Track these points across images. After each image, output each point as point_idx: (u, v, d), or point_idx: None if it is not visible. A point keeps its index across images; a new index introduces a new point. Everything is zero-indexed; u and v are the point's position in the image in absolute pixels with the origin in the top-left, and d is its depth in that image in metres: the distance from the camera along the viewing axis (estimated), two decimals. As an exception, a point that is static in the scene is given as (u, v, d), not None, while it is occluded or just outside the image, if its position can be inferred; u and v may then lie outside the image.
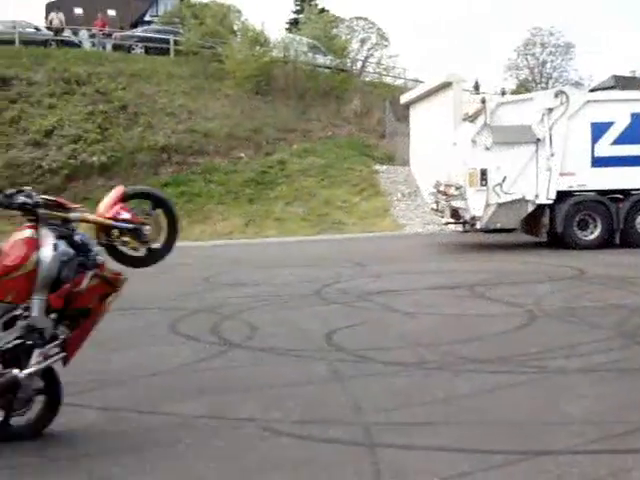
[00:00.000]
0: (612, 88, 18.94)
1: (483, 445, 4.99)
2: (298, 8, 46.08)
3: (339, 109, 33.33)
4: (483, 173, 17.22)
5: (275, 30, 36.89)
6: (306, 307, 10.76)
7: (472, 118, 18.42)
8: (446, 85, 23.84)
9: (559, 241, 17.82)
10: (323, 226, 24.42)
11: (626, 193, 17.77)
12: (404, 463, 4.71)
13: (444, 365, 7.17)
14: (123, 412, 5.93)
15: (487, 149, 17.27)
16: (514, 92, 35.89)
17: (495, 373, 6.86)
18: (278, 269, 15.32)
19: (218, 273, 14.87)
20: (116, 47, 35.36)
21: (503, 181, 17.22)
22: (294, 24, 44.23)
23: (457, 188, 17.60)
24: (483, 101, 17.96)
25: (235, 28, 37.60)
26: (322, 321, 9.57)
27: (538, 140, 17.30)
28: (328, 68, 36.03)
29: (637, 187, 17.72)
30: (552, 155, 17.27)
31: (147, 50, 34.54)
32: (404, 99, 29.85)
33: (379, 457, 4.80)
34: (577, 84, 45.23)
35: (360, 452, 4.92)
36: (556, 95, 17.61)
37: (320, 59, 35.86)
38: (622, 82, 20.62)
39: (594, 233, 17.65)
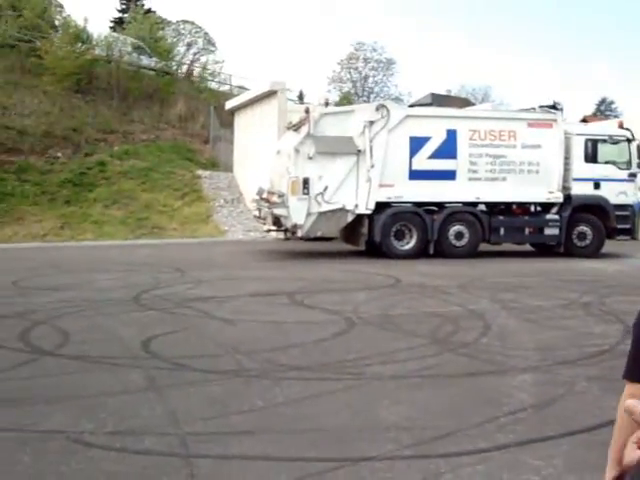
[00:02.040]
0: (429, 105, 19.66)
1: (301, 453, 4.97)
2: (124, 7, 44.97)
3: (163, 112, 32.76)
4: (305, 182, 17.38)
5: (98, 28, 35.77)
6: (123, 314, 10.38)
7: (296, 127, 18.59)
8: (271, 93, 24.04)
9: (377, 250, 18.29)
10: (143, 230, 23.84)
11: (440, 205, 18.52)
12: (220, 474, 4.61)
13: (263, 373, 7.11)
14: None
15: (310, 158, 17.44)
16: (337, 104, 36.65)
17: (314, 380, 6.88)
18: (95, 274, 14.75)
19: (29, 277, 14.12)
20: None
21: (324, 190, 17.46)
22: (119, 23, 43.12)
23: (280, 196, 17.66)
24: (307, 111, 18.15)
25: (56, 23, 36.17)
26: (139, 328, 9.27)
27: (359, 151, 17.67)
28: (153, 70, 35.36)
29: (450, 200, 18.50)
30: (372, 166, 17.70)
31: (-43, 40, 32.56)
32: (229, 105, 29.85)
33: (195, 468, 4.67)
34: (397, 99, 46.93)
35: (176, 463, 4.76)
36: (377, 109, 18.08)
37: (145, 60, 35.16)
38: (438, 99, 21.49)
39: (410, 243, 18.25)
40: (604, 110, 64.46)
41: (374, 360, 7.67)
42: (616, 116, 52.56)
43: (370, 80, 53.81)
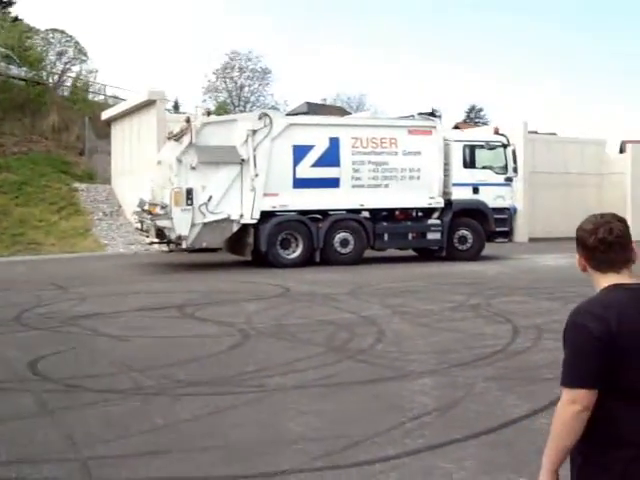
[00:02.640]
0: (306, 114, 19.76)
1: (212, 471, 4.84)
2: (-11, 15, 43.21)
3: (35, 124, 31.56)
4: (189, 192, 17.11)
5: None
6: (5, 334, 9.87)
7: (177, 137, 18.27)
8: (149, 103, 23.61)
9: (263, 260, 18.18)
10: (18, 247, 22.86)
11: (325, 213, 18.60)
12: (129, 499, 4.39)
13: (161, 390, 6.90)
14: None
15: (193, 168, 17.20)
16: (213, 114, 36.33)
17: (215, 395, 6.71)
18: (-31, 293, 14.03)
19: None
20: None
21: (209, 201, 17.24)
22: (-17, 32, 41.36)
23: (162, 207, 17.30)
24: (188, 120, 17.88)
25: None
26: (24, 348, 8.84)
27: (243, 161, 17.55)
28: (23, 80, 34.03)
29: (335, 207, 18.62)
30: (256, 176, 17.60)
31: None
32: (105, 115, 29.16)
33: (101, 495, 4.43)
34: (273, 108, 46.97)
35: (79, 491, 4.52)
36: (260, 117, 18.00)
37: (14, 70, 33.80)
38: (314, 108, 21.65)
39: (296, 252, 18.24)
40: (473, 117, 66.57)
41: (274, 371, 7.56)
42: (485, 123, 54.41)
43: (246, 89, 53.58)
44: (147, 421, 5.90)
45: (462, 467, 4.85)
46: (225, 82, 53.07)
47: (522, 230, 26.44)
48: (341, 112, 25.72)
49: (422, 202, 19.37)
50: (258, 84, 53.32)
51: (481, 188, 19.85)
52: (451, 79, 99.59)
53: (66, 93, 39.29)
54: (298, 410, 6.17)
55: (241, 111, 44.64)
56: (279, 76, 76.96)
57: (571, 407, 2.36)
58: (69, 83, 40.33)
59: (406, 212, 19.62)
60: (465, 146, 19.95)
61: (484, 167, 19.99)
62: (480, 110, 68.04)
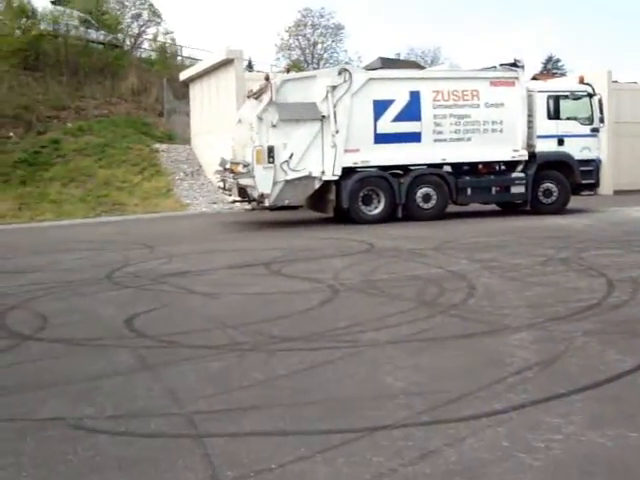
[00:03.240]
0: (380, 69, 19.49)
1: (315, 426, 4.81)
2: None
3: (115, 86, 32.06)
4: (270, 150, 17.13)
5: (42, 2, 34.71)
6: (98, 293, 10.08)
7: (257, 95, 18.29)
8: (227, 62, 23.64)
9: (345, 216, 18.15)
10: (103, 208, 23.39)
11: (406, 169, 18.41)
12: (237, 452, 4.40)
13: (256, 345, 6.93)
14: None
15: (273, 126, 17.19)
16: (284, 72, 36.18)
17: (309, 351, 6.70)
18: (60, 254, 14.39)
19: (-7, 260, 13.72)
20: None
21: (290, 158, 17.24)
22: (60, -2, 41.98)
23: (245, 166, 17.38)
24: (267, 78, 17.86)
25: (-3, -3, 35.04)
26: (118, 307, 9.00)
27: (323, 117, 17.46)
28: (101, 44, 34.52)
29: (416, 162, 18.41)
30: (337, 132, 17.51)
31: None
32: (183, 76, 29.34)
33: (209, 448, 4.47)
34: (347, 65, 46.55)
35: (188, 444, 4.55)
36: (339, 73, 17.84)
37: (93, 34, 34.28)
38: (388, 63, 21.30)
39: (378, 208, 18.16)
40: (551, 68, 64.77)
41: (366, 327, 7.52)
42: (563, 74, 52.79)
43: (319, 46, 53.35)
44: (246, 376, 5.92)
45: (570, 422, 4.73)
46: (298, 40, 52.91)
47: (607, 182, 25.68)
48: (415, 66, 25.25)
49: (505, 155, 19.00)
50: (331, 40, 53.05)
51: (566, 140, 19.36)
52: (526, 30, 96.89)
53: (143, 55, 39.72)
54: (395, 365, 6.12)
55: (314, 68, 44.43)
56: (352, 32, 76.01)
57: None
58: (146, 45, 40.77)
59: (489, 166, 19.27)
60: (549, 97, 19.44)
61: (569, 118, 19.48)
62: (557, 61, 66.21)
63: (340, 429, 4.72)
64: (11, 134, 26.54)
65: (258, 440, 4.61)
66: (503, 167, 19.37)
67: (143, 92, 32.66)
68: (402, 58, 51.78)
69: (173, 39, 42.05)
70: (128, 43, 39.43)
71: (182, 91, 30.87)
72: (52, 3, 39.52)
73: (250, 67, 44.82)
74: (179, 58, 41.21)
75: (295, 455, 4.32)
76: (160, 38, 40.88)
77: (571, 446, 4.39)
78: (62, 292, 10.27)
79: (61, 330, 7.88)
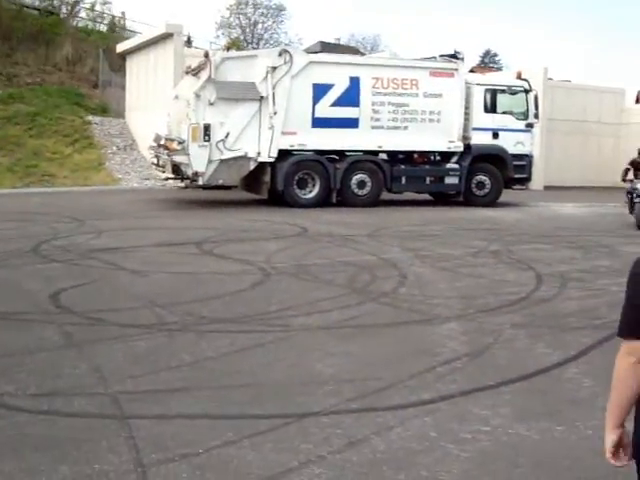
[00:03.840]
0: (319, 53, 19.36)
1: (243, 410, 4.76)
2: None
3: (49, 54, 31.12)
4: (206, 128, 16.88)
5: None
6: (25, 266, 9.79)
7: (195, 72, 17.98)
8: (166, 36, 23.22)
9: (279, 199, 18.04)
10: (32, 178, 22.73)
11: (342, 154, 18.40)
12: (162, 435, 4.33)
13: (185, 326, 6.83)
14: None
15: (211, 104, 16.93)
16: (224, 50, 35.77)
17: (239, 333, 6.65)
18: (-15, 224, 13.96)
19: None
20: None
21: (226, 137, 17.02)
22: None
23: (179, 143, 17.09)
24: (206, 55, 17.57)
25: None
26: (45, 280, 8.77)
27: (262, 98, 17.27)
28: (37, 9, 33.52)
29: (353, 148, 18.40)
30: (275, 113, 17.35)
31: None
32: (120, 48, 28.72)
33: (134, 430, 4.37)
34: (287, 46, 46.28)
35: (112, 425, 4.46)
36: (280, 54, 17.66)
37: (27, -1, 33.28)
38: (328, 48, 21.16)
39: (312, 192, 18.08)
40: (488, 62, 65.49)
41: (298, 311, 7.49)
42: (499, 68, 53.47)
43: (260, 26, 52.80)
44: (174, 357, 5.83)
45: (497, 414, 4.78)
46: (239, 18, 52.30)
47: (538, 178, 26.04)
48: (355, 52, 25.12)
49: (441, 146, 19.12)
50: (272, 21, 52.55)
51: (501, 133, 19.57)
52: (465, 23, 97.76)
53: (80, 24, 38.74)
54: (325, 351, 6.10)
55: (254, 48, 44.05)
56: (293, 14, 75.51)
57: (626, 359, 2.25)
58: (83, 14, 39.76)
59: (424, 155, 19.36)
60: (487, 90, 19.62)
61: (505, 112, 19.68)
62: (495, 55, 66.91)
63: (269, 414, 4.68)
64: (-64, 98, 25.64)
65: (185, 423, 4.54)
66: (438, 157, 19.47)
67: (78, 62, 31.80)
68: (342, 43, 51.70)
69: (110, 9, 41.14)
70: (65, 11, 38.32)
71: (119, 63, 30.18)
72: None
73: (189, 43, 44.07)
74: (117, 30, 40.32)
75: (222, 439, 4.26)
76: (98, 7, 39.93)
77: (498, 438, 4.44)
78: (-15, 263, 9.96)
79: (-17, 303, 7.64)
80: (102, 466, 3.89)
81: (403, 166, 18.91)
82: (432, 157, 19.48)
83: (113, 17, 40.21)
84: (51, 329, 6.63)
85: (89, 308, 7.41)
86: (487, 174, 19.57)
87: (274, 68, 17.36)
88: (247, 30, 52.63)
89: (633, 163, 18.07)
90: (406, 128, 18.69)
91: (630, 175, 17.62)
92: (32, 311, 7.31)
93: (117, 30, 39.35)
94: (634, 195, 15.66)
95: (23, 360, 5.70)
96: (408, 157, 19.21)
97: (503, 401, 5.04)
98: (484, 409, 4.85)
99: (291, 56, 17.62)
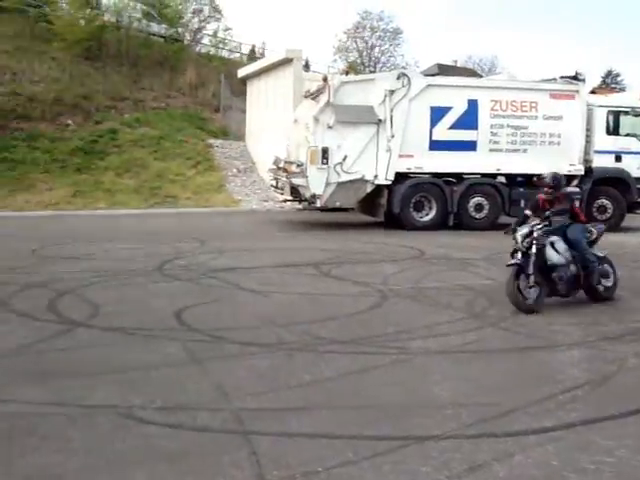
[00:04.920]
0: (437, 75, 19.33)
1: (361, 430, 4.80)
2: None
3: (173, 80, 32.30)
4: (324, 151, 17.12)
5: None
6: (149, 283, 10.20)
7: (314, 96, 18.30)
8: (286, 61, 23.65)
9: (395, 222, 18.08)
10: (156, 199, 23.59)
11: (459, 177, 18.30)
12: (283, 452, 4.42)
13: (304, 346, 6.94)
14: (-41, 399, 5.28)
15: (329, 127, 17.17)
16: (343, 74, 36.15)
17: (357, 354, 6.70)
18: (113, 243, 14.56)
19: (46, 246, 13.90)
20: None
21: (344, 160, 17.21)
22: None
23: (298, 165, 17.41)
24: (325, 79, 17.87)
25: (64, -12, 35.56)
26: (168, 298, 9.10)
27: (380, 121, 17.41)
28: (162, 37, 34.87)
29: (470, 171, 18.28)
30: (392, 136, 17.45)
31: (-35, 5, 31.86)
32: (241, 73, 29.46)
33: (256, 446, 4.49)
34: (405, 69, 46.35)
35: (235, 441, 4.59)
36: (398, 77, 17.76)
37: (154, 27, 34.63)
38: (445, 70, 21.07)
39: (429, 215, 18.06)
40: (610, 82, 63.72)
41: (415, 334, 7.50)
42: (622, 89, 51.91)
43: (376, 50, 53.17)
44: (294, 376, 5.94)
45: (622, 445, 4.65)
46: (356, 42, 52.78)
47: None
48: (473, 74, 24.92)
49: (561, 169, 18.66)
50: (389, 44, 52.80)
51: (624, 156, 19.04)
52: (585, 43, 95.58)
53: (202, 50, 40.02)
54: (443, 375, 6.09)
55: (371, 71, 44.34)
56: (410, 37, 75.53)
57: None
58: (205, 41, 41.06)
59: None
60: (609, 112, 19.13)
61: (628, 134, 19.13)
62: (617, 75, 65.08)
63: (387, 436, 4.71)
64: (70, 122, 26.92)
65: (304, 441, 4.62)
66: (558, 181, 19.07)
67: (200, 87, 32.88)
68: (459, 65, 51.41)
69: (232, 35, 42.33)
70: (188, 37, 39.71)
71: (239, 88, 31.01)
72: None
73: (307, 67, 44.92)
74: (238, 55, 41.43)
75: (341, 459, 4.31)
76: (220, 34, 41.18)
77: (623, 470, 4.32)
78: (114, 281, 10.41)
79: (112, 318, 7.98)
80: (226, 480, 4.02)
81: (522, 189, 18.61)
82: (552, 180, 19.06)
83: (253, 46, 41.28)
84: (175, 345, 6.87)
85: (211, 326, 7.63)
86: (609, 198, 19.04)
87: (392, 91, 17.47)
88: (364, 53, 53.08)
89: None
90: (525, 151, 18.43)
91: None
92: (157, 327, 7.58)
93: (237, 55, 40.41)
94: None
95: (149, 374, 5.94)
96: (527, 180, 18.88)
97: (628, 432, 4.91)
98: (608, 439, 4.73)
99: (409, 79, 17.69)
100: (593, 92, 25.40)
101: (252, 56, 40.14)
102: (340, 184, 17.33)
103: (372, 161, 17.48)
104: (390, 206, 17.84)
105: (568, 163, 18.61)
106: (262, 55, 39.88)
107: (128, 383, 5.69)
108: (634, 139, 19.07)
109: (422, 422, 4.98)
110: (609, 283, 9.59)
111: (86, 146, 25.75)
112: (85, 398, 5.34)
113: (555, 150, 18.50)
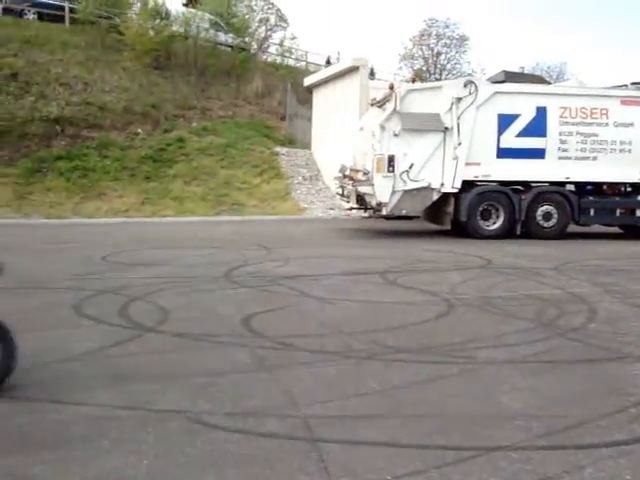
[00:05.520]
0: (503, 82, 19.16)
1: (430, 440, 4.79)
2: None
3: (240, 89, 32.69)
4: (390, 159, 17.12)
5: (175, 3, 35.64)
6: (217, 290, 10.34)
7: (380, 104, 18.33)
8: (352, 69, 23.75)
9: (462, 230, 17.97)
10: (223, 207, 23.90)
11: (527, 185, 18.10)
12: (351, 460, 4.44)
13: (372, 354, 6.94)
14: (35, 403, 5.43)
15: (395, 135, 17.16)
16: (409, 81, 36.07)
17: (425, 363, 6.67)
18: (181, 250, 14.82)
19: (117, 252, 14.20)
20: (6, 11, 33.24)
21: (410, 168, 17.18)
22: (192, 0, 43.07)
23: (364, 173, 17.45)
24: (391, 87, 17.89)
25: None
26: (236, 305, 9.21)
27: (446, 129, 17.34)
28: (229, 47, 35.29)
29: (539, 179, 18.06)
30: (459, 144, 17.36)
31: (40, 16, 32.65)
32: (307, 82, 29.65)
33: (324, 453, 4.51)
34: (472, 77, 46.01)
35: (303, 447, 4.62)
36: (465, 85, 17.67)
37: (221, 37, 35.08)
38: (512, 77, 20.86)
39: (496, 223, 17.90)
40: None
41: (483, 343, 7.44)
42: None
43: (442, 57, 52.87)
44: (362, 384, 5.95)
45: (697, 462, 4.55)
46: (422, 49, 52.60)
47: None
48: (540, 81, 24.57)
49: (633, 177, 18.39)
50: (455, 51, 52.46)
51: None
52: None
53: (269, 59, 40.39)
54: (512, 385, 6.02)
55: (437, 79, 44.16)
56: (476, 44, 74.97)
57: None
58: (272, 49, 41.42)
59: (614, 187, 18.68)
60: (683, 118, 18.70)
61: (702, 141, 18.67)
62: (692, 80, 63.59)
63: (456, 446, 4.69)
64: (139, 130, 27.44)
65: (373, 450, 4.62)
66: (629, 189, 18.74)
67: (267, 95, 33.21)
68: (527, 72, 50.83)
69: (298, 44, 42.65)
70: (255, 46, 40.13)
71: (305, 96, 31.22)
72: (184, 5, 40.68)
73: (372, 75, 44.95)
74: (304, 63, 41.69)
75: (410, 468, 4.31)
76: (286, 43, 41.54)
77: (698, 486, 4.22)
78: (182, 287, 10.57)
79: (181, 324, 8.11)
80: (295, 486, 4.06)
81: (592, 198, 18.34)
82: (622, 188, 18.76)
83: (329, 58, 41.50)
84: (243, 352, 6.95)
85: (279, 333, 7.70)
86: (679, 207, 18.62)
87: (459, 99, 17.39)
88: (430, 61, 52.85)
89: None
90: (595, 158, 18.13)
91: None
92: (225, 334, 7.68)
93: (303, 64, 40.59)
94: None
95: (218, 380, 6.01)
96: (597, 188, 18.60)
97: None
98: (683, 455, 4.63)
99: (476, 87, 17.58)
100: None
101: (328, 66, 40.36)
102: (406, 192, 17.30)
103: (439, 169, 17.41)
104: (457, 214, 17.74)
105: (639, 171, 18.26)
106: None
107: (197, 388, 5.78)
108: None
109: (491, 433, 4.94)
110: None
111: (155, 154, 26.21)
112: (155, 402, 5.44)
113: (626, 158, 18.17)
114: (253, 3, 43.19)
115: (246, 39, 38.28)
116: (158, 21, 32.29)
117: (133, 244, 15.85)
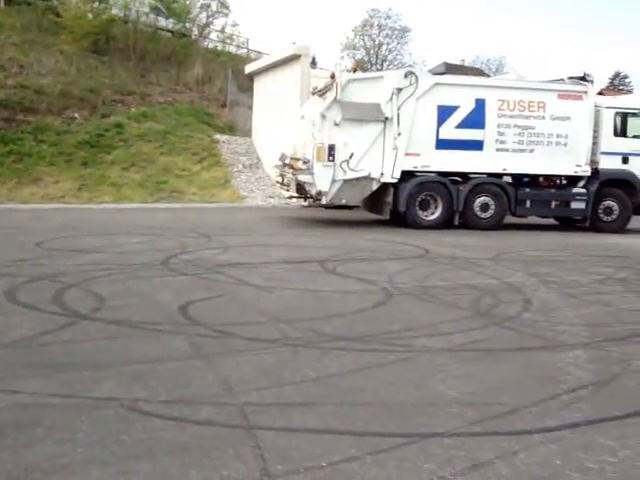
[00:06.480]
0: (443, 74, 19.36)
1: (366, 427, 4.80)
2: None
3: (180, 75, 32.38)
4: (331, 148, 17.14)
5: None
6: (155, 278, 10.21)
7: (321, 93, 18.32)
8: (294, 58, 23.68)
9: (401, 220, 18.09)
10: (162, 194, 23.65)
11: (465, 176, 18.31)
12: (288, 447, 4.42)
13: (309, 342, 6.94)
14: (-35, 389, 5.30)
15: (336, 124, 17.19)
16: (350, 71, 36.15)
17: (362, 351, 6.70)
18: (118, 236, 14.63)
19: (53, 239, 13.92)
20: (-63, -10, 32.31)
21: (350, 157, 17.23)
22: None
23: (304, 162, 17.42)
24: (333, 76, 17.87)
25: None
26: (174, 293, 9.11)
27: (386, 119, 17.42)
28: (170, 32, 34.90)
29: (477, 171, 18.28)
30: (399, 134, 17.46)
31: (-27, -3, 31.87)
32: (249, 69, 29.50)
33: (260, 440, 4.49)
34: (413, 68, 46.31)
35: (239, 435, 4.59)
36: (406, 75, 17.77)
37: (162, 22, 34.70)
38: (452, 69, 21.10)
39: (435, 214, 18.09)
40: (617, 84, 63.64)
41: (420, 332, 7.49)
42: (630, 90, 51.84)
43: (384, 48, 53.27)
44: (298, 372, 5.94)
45: (625, 445, 4.65)
46: (363, 39, 52.87)
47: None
48: (480, 74, 24.94)
49: (568, 170, 18.76)
50: (396, 43, 52.90)
51: (631, 158, 19.05)
52: (593, 45, 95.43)
53: (210, 46, 40.07)
54: (448, 373, 6.09)
55: (378, 69, 44.41)
56: (417, 35, 75.54)
57: None
58: (213, 36, 41.09)
59: (550, 179, 19.05)
60: (617, 113, 19.14)
61: (635, 136, 19.12)
62: (625, 77, 65.02)
63: (391, 432, 4.71)
64: (76, 115, 26.96)
65: (309, 437, 4.62)
66: (564, 182, 19.11)
67: (207, 82, 32.94)
68: (467, 65, 51.39)
69: (239, 31, 42.38)
70: (196, 32, 39.74)
71: (246, 84, 31.06)
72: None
73: (314, 64, 44.92)
74: (245, 50, 41.48)
75: (346, 455, 4.32)
76: (228, 30, 41.24)
77: (626, 470, 4.32)
78: (119, 274, 10.41)
79: (117, 312, 7.99)
80: (230, 473, 4.03)
81: (528, 189, 18.67)
82: (558, 181, 19.12)
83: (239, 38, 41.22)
84: (180, 339, 6.88)
85: (216, 321, 7.65)
86: (615, 199, 19.07)
87: (400, 89, 17.49)
88: (371, 51, 53.18)
89: None
90: (532, 151, 18.44)
91: None
92: (163, 321, 7.60)
93: (244, 51, 40.36)
94: None
95: (155, 368, 5.94)
96: (533, 180, 18.94)
97: (631, 433, 4.90)
98: (611, 440, 4.73)
99: (417, 78, 17.70)
100: (601, 93, 25.41)
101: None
102: (346, 181, 17.35)
103: (378, 159, 17.49)
104: (396, 204, 17.85)
105: (575, 164, 18.65)
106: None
107: (133, 376, 5.70)
108: (641, 141, 19.06)
109: (426, 420, 4.98)
110: None
111: (92, 140, 25.81)
112: (90, 390, 5.35)
113: (562, 151, 18.52)
114: (194, -12, 42.79)
115: (187, 25, 37.89)
116: (97, 4, 31.82)
117: (69, 231, 15.57)
